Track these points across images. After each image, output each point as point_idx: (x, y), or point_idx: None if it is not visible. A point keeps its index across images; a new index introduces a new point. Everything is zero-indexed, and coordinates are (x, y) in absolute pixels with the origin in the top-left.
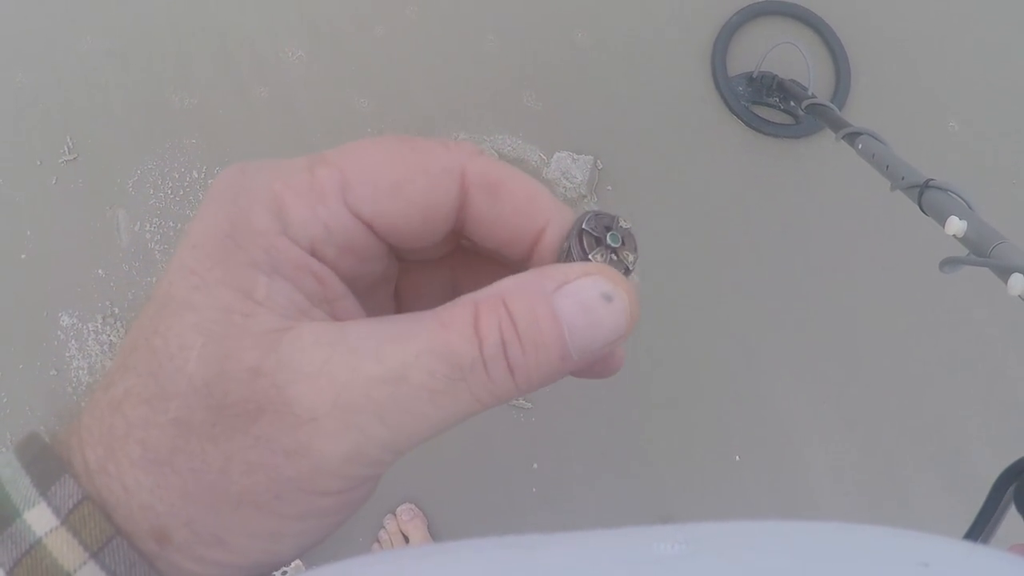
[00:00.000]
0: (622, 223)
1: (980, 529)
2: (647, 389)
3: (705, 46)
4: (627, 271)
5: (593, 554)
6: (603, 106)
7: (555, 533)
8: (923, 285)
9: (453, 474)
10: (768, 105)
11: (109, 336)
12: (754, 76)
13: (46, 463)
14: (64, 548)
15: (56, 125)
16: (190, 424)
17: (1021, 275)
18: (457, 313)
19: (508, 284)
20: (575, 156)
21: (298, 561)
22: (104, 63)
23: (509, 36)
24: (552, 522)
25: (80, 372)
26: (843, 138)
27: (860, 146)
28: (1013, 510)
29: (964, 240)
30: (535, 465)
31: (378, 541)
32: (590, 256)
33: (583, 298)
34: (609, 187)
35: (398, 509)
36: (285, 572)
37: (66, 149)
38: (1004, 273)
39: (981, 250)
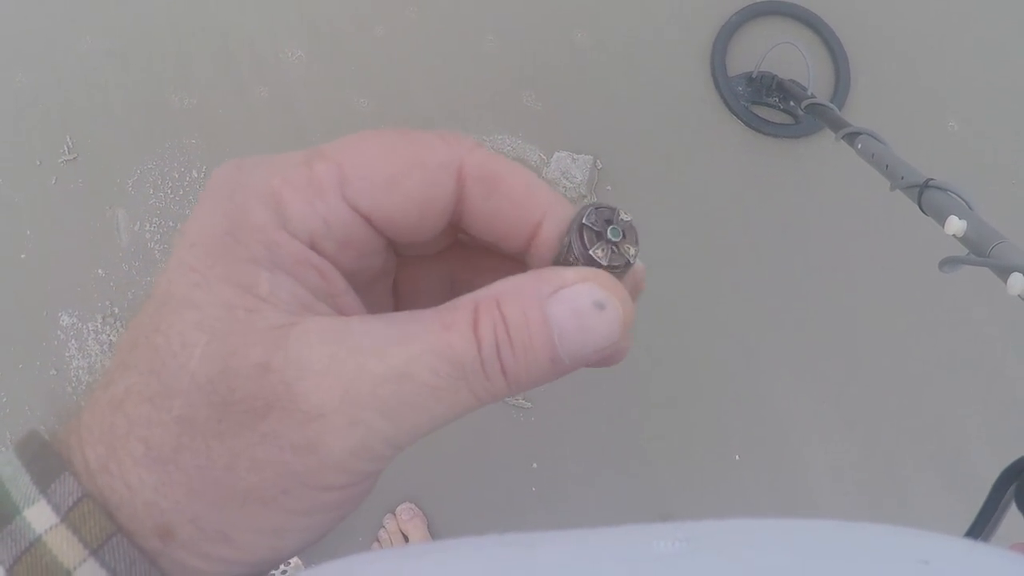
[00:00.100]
0: (622, 216)
1: (981, 528)
2: (647, 388)
3: (705, 46)
4: (627, 264)
5: (593, 552)
6: (603, 106)
7: (555, 531)
8: (922, 285)
9: (453, 473)
10: (768, 105)
11: (109, 336)
12: (754, 76)
13: (46, 461)
14: (64, 545)
15: (56, 125)
16: (194, 421)
17: (1020, 274)
18: (459, 316)
19: (505, 286)
20: (575, 156)
21: (297, 560)
22: (104, 63)
23: (509, 36)
24: (551, 521)
25: (80, 372)
26: (843, 138)
27: (860, 146)
28: (1013, 509)
29: (964, 240)
30: (535, 464)
31: (378, 540)
32: (590, 251)
33: (576, 305)
34: (608, 187)
35: (398, 508)
36: (285, 571)
37: (66, 149)
38: (1004, 272)
39: (981, 250)
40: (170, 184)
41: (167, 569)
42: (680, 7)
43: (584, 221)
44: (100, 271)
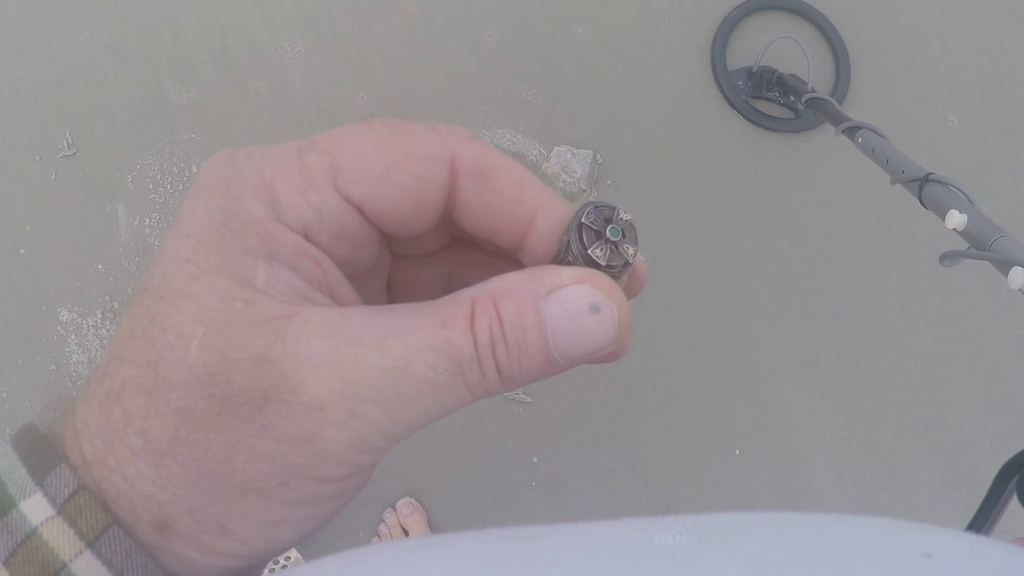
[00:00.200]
0: (622, 215)
1: (982, 521)
2: (647, 383)
3: (705, 40)
4: (626, 264)
5: (593, 544)
6: (603, 100)
7: (556, 524)
8: (922, 279)
9: (453, 468)
10: (768, 99)
11: (109, 331)
12: (754, 70)
13: (42, 453)
14: (60, 537)
15: (55, 120)
16: (193, 414)
17: (1021, 268)
18: (457, 312)
19: (502, 284)
20: (575, 150)
21: (297, 554)
22: (103, 58)
23: (508, 31)
24: (552, 516)
25: (80, 367)
26: (843, 132)
27: (860, 140)
28: (1014, 502)
29: (964, 234)
30: (535, 459)
31: (378, 535)
32: (589, 251)
33: (571, 307)
34: (609, 181)
35: (398, 503)
36: (285, 566)
37: (65, 144)
38: (1004, 267)
39: (981, 244)
40: (170, 179)
41: (165, 562)
42: (680, 1)
43: (583, 220)
44: (100, 266)
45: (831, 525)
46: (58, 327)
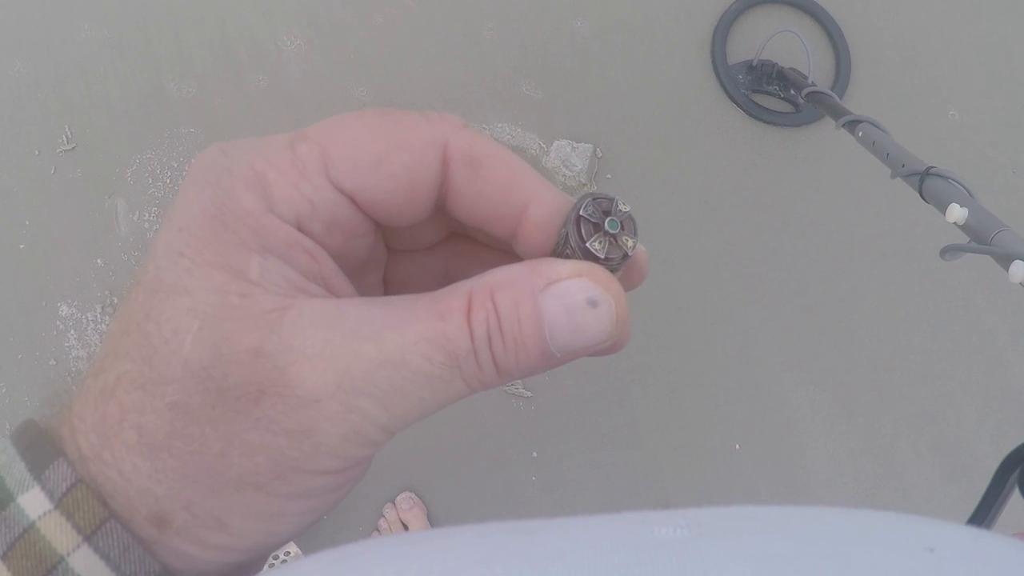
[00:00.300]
0: (621, 207)
1: (983, 515)
2: (647, 377)
3: (705, 34)
4: (625, 257)
5: (593, 538)
6: (602, 94)
7: (555, 518)
8: (923, 273)
9: (452, 463)
10: (768, 93)
11: (108, 326)
12: (754, 64)
13: (41, 448)
14: (57, 531)
15: (54, 115)
16: (188, 408)
17: (1022, 262)
18: (454, 305)
19: (499, 276)
20: (575, 144)
21: (297, 549)
22: (102, 52)
23: (508, 24)
24: (551, 510)
25: (79, 362)
26: (843, 126)
27: (860, 134)
28: (1015, 496)
29: (965, 228)
30: (534, 454)
31: (378, 530)
32: (587, 244)
33: (568, 301)
34: (608, 175)
35: (397, 498)
36: (285, 560)
37: (64, 139)
38: (1005, 260)
39: (982, 238)
40: (169, 174)
41: (163, 557)
42: None
43: (581, 212)
44: (99, 261)
45: (833, 519)
46: (57, 322)
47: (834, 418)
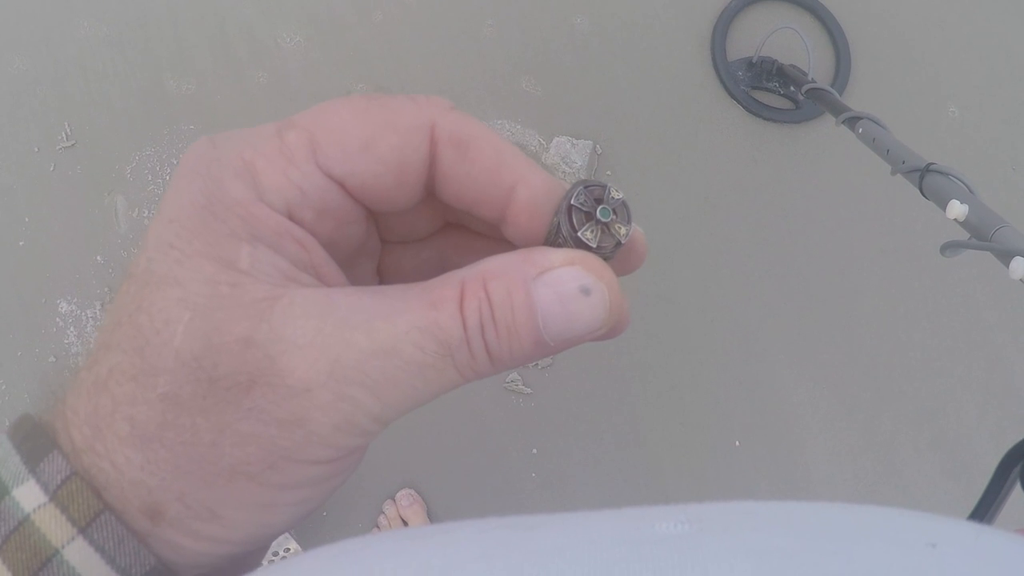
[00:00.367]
0: (613, 194)
1: (984, 510)
2: (647, 374)
3: (705, 31)
4: (618, 244)
5: (594, 533)
6: (602, 91)
7: (556, 513)
8: (923, 270)
9: (452, 459)
10: (768, 90)
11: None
12: (754, 61)
13: (36, 441)
14: (52, 524)
15: (54, 111)
16: (179, 398)
17: (1023, 259)
18: (446, 293)
19: (492, 265)
20: (574, 141)
21: (296, 546)
22: (101, 49)
23: (508, 21)
24: (551, 507)
25: (79, 359)
26: (843, 123)
27: (860, 130)
28: (1016, 492)
29: (965, 224)
30: (534, 450)
31: (377, 527)
32: (579, 234)
33: (561, 289)
34: (608, 172)
35: (397, 495)
36: (285, 556)
37: (64, 136)
38: (1005, 257)
39: (982, 234)
40: (168, 171)
41: (157, 549)
42: None
43: (573, 202)
44: (99, 258)
45: (835, 514)
46: (57, 319)
47: (834, 415)
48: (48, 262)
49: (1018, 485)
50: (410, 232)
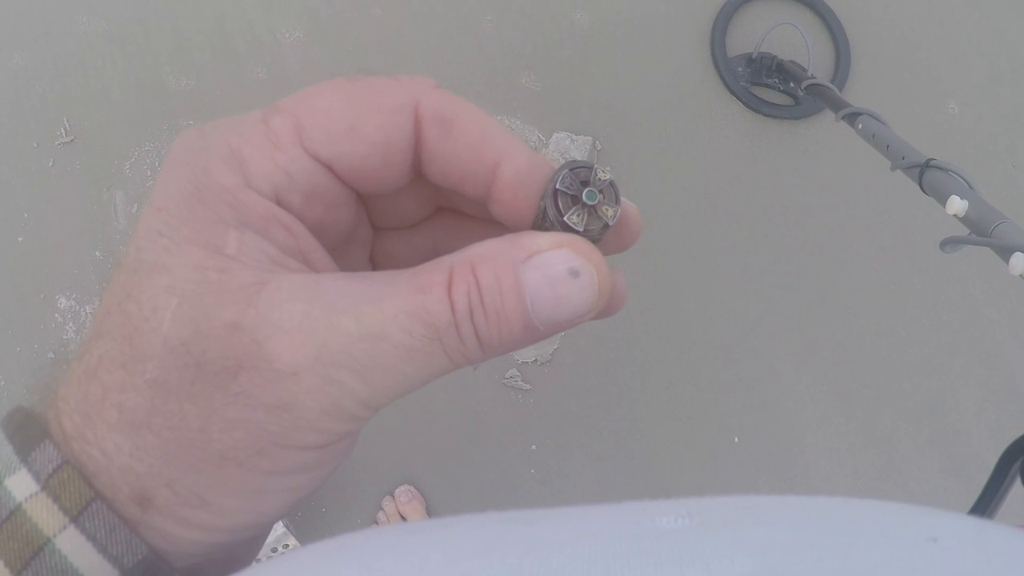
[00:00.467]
0: (600, 175)
1: (986, 504)
2: (646, 371)
3: (704, 26)
4: (606, 227)
5: (594, 528)
6: (602, 87)
7: (555, 508)
8: (922, 266)
9: (451, 455)
10: (767, 86)
11: None
12: (753, 57)
13: (28, 431)
14: (44, 513)
15: (52, 107)
16: (167, 384)
17: (1022, 254)
18: (435, 278)
19: (481, 250)
20: (574, 137)
21: (296, 542)
22: (101, 44)
23: (507, 16)
24: (550, 503)
25: (76, 354)
26: (843, 118)
27: (860, 126)
28: (1016, 488)
29: (965, 220)
30: (533, 446)
31: (376, 523)
32: (565, 218)
33: (549, 272)
34: (608, 167)
35: (396, 491)
36: (283, 552)
37: (63, 131)
38: (1005, 252)
39: (982, 230)
40: None
41: (148, 537)
42: None
43: (558, 186)
44: (98, 253)
45: (836, 508)
46: (56, 314)
47: (833, 411)
48: (47, 258)
49: (1019, 480)
50: (402, 217)
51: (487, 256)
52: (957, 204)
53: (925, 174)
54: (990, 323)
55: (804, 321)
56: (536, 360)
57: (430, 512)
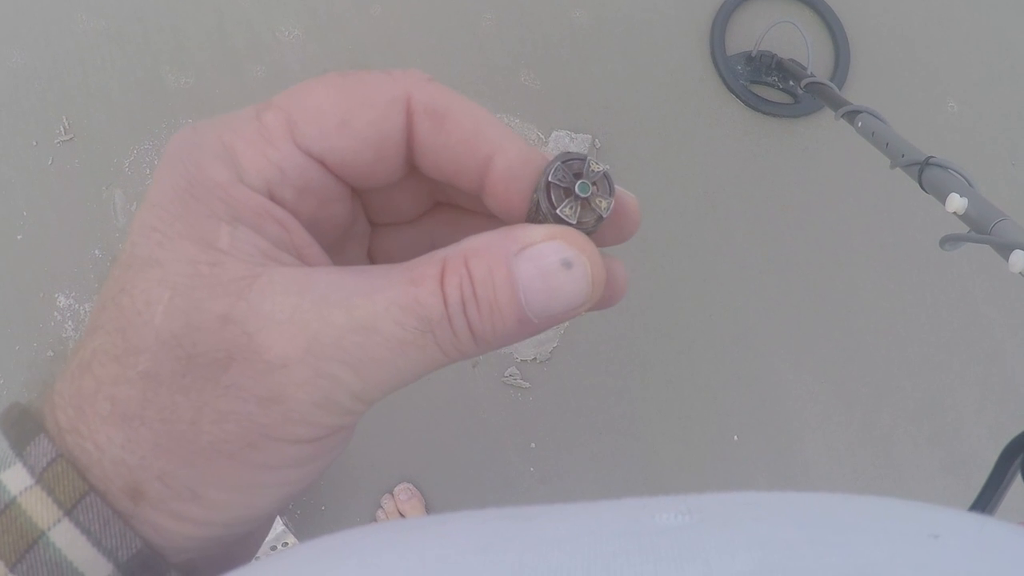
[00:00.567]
0: (593, 167)
1: (986, 500)
2: (645, 369)
3: (704, 25)
4: (599, 219)
5: (594, 524)
6: (601, 85)
7: (555, 504)
8: (922, 264)
9: (450, 454)
10: (767, 84)
11: None
12: (753, 55)
13: (23, 426)
14: (38, 506)
15: (52, 105)
16: (159, 376)
17: (1022, 252)
18: (427, 271)
19: (474, 243)
20: (573, 135)
21: (295, 540)
22: (100, 43)
23: (506, 14)
24: (550, 501)
25: None
26: (843, 116)
27: (860, 124)
28: (1016, 485)
29: (965, 217)
30: (533, 445)
31: (375, 521)
32: (558, 210)
33: (542, 264)
34: (607, 166)
35: (395, 489)
36: (283, 547)
37: (62, 129)
38: (1005, 250)
39: (982, 227)
40: None
41: (141, 531)
42: None
43: (550, 179)
44: (97, 252)
45: (836, 505)
46: (55, 313)
47: (832, 410)
48: (46, 256)
49: (1019, 476)
50: (399, 213)
51: (480, 249)
52: (957, 202)
53: (925, 172)
54: (990, 321)
55: (803, 319)
56: (535, 358)
57: (429, 510)
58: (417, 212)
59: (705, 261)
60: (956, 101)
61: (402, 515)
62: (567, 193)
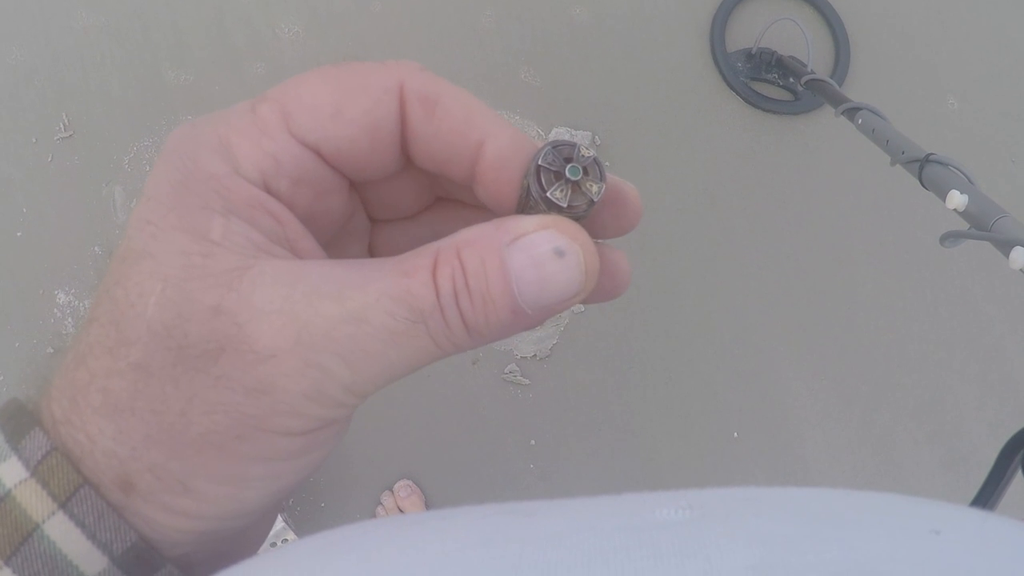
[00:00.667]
0: (583, 152)
1: (987, 496)
2: (645, 366)
3: (704, 22)
4: (591, 203)
5: (594, 520)
6: (601, 82)
7: (555, 500)
8: (922, 261)
9: (450, 450)
10: (767, 81)
11: None
12: (753, 52)
13: (19, 419)
14: (33, 499)
15: (51, 102)
16: (150, 368)
17: (1023, 248)
18: (420, 262)
19: (467, 235)
20: (573, 132)
21: (295, 536)
22: (100, 40)
23: (507, 11)
24: (550, 498)
25: None
26: (843, 113)
27: (860, 121)
28: (1017, 478)
29: (965, 214)
30: (532, 442)
31: (375, 517)
32: (548, 193)
33: (534, 253)
34: (607, 163)
35: (395, 486)
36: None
37: (62, 126)
38: (1005, 247)
39: (982, 224)
40: None
41: (134, 525)
42: None
43: (540, 162)
44: (97, 248)
45: (837, 500)
46: (55, 310)
47: (832, 407)
48: (46, 253)
49: (1020, 472)
50: (399, 208)
51: (472, 240)
52: (957, 198)
53: (925, 169)
54: (990, 318)
55: (803, 316)
56: (535, 355)
57: (429, 507)
58: (417, 208)
59: (705, 258)
60: (956, 98)
61: (402, 512)
62: (557, 177)
